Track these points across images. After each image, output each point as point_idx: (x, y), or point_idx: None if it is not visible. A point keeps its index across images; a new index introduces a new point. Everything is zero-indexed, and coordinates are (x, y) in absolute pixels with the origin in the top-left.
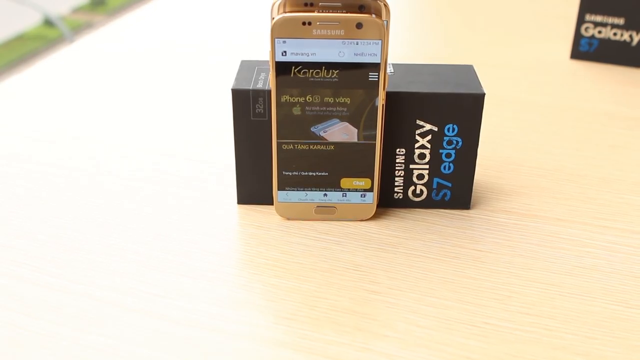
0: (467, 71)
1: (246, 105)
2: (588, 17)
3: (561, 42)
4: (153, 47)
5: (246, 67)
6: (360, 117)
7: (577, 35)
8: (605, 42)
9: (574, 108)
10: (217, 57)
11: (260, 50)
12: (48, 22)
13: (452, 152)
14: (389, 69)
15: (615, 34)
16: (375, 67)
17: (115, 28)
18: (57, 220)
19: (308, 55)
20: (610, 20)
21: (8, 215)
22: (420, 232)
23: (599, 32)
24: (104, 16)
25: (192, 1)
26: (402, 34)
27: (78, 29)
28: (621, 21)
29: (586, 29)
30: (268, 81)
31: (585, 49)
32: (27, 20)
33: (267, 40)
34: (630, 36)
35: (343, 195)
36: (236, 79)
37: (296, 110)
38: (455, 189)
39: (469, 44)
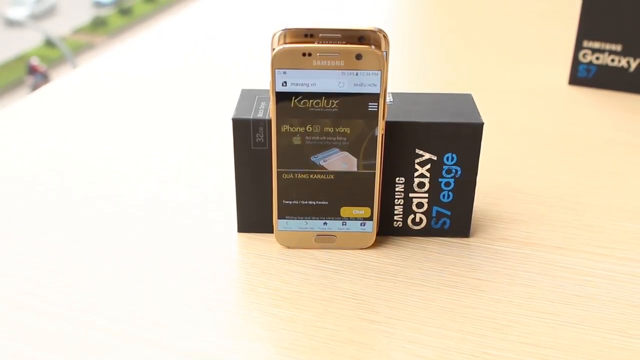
0: (466, 100)
1: (247, 134)
2: (586, 43)
3: (559, 67)
4: (154, 72)
5: (247, 96)
6: (360, 147)
7: (575, 62)
8: (603, 68)
9: (573, 134)
10: (220, 82)
11: (262, 76)
12: (49, 43)
13: (451, 180)
14: (388, 99)
15: (612, 60)
16: (375, 97)
17: (117, 52)
18: (56, 246)
19: (308, 86)
20: (607, 46)
21: (9, 241)
22: (420, 260)
23: (597, 58)
24: (105, 37)
25: (193, 26)
26: (403, 58)
27: (79, 50)
28: (618, 48)
29: (584, 55)
30: (268, 111)
31: (584, 75)
32: (28, 41)
33: (268, 68)
34: (628, 62)
35: (343, 224)
36: (237, 109)
37: (296, 140)
38: (454, 218)
39: (468, 68)
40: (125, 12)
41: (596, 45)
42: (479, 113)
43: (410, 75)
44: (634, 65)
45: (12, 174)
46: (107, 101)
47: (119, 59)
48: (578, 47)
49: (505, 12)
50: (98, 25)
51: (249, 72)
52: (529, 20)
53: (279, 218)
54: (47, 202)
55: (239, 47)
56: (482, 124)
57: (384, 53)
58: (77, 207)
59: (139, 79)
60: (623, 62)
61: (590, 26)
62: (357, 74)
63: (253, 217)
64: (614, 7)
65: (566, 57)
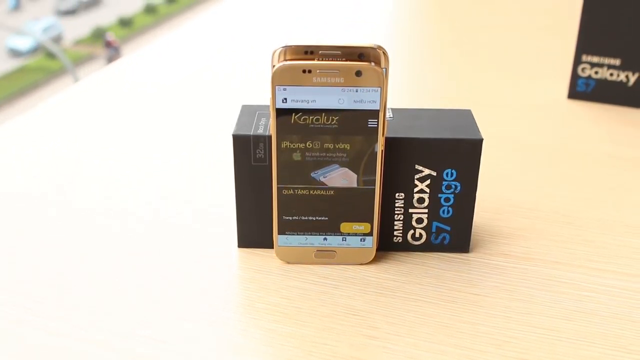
0: (466, 116)
1: (247, 150)
2: (585, 57)
3: (558, 81)
4: (156, 85)
5: (247, 112)
6: (360, 163)
7: (574, 76)
8: (602, 82)
9: (572, 148)
10: (220, 97)
11: (263, 91)
12: (49, 54)
13: (451, 196)
14: (388, 114)
15: (611, 75)
16: (375, 113)
17: (118, 65)
18: (57, 262)
19: (308, 102)
20: (606, 61)
21: (10, 257)
22: (419, 275)
23: (596, 72)
24: (105, 48)
25: (195, 41)
26: (403, 73)
27: (79, 61)
28: (617, 62)
29: (583, 69)
30: (269, 127)
31: (583, 89)
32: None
33: (268, 84)
34: (627, 77)
35: (343, 240)
36: (237, 125)
37: (296, 156)
38: (454, 233)
39: (467, 84)
40: (126, 23)
41: (595, 59)
42: (478, 129)
43: (409, 90)
44: (632, 79)
45: (11, 186)
46: (106, 116)
47: (120, 72)
48: (577, 61)
49: (505, 28)
50: (99, 36)
51: (251, 87)
52: (528, 35)
53: (279, 233)
54: (47, 217)
55: (241, 61)
56: (482, 139)
57: (384, 70)
58: (77, 223)
59: (140, 93)
60: (622, 76)
61: (589, 40)
62: (357, 91)
63: (253, 232)
64: (613, 21)
65: (565, 72)
